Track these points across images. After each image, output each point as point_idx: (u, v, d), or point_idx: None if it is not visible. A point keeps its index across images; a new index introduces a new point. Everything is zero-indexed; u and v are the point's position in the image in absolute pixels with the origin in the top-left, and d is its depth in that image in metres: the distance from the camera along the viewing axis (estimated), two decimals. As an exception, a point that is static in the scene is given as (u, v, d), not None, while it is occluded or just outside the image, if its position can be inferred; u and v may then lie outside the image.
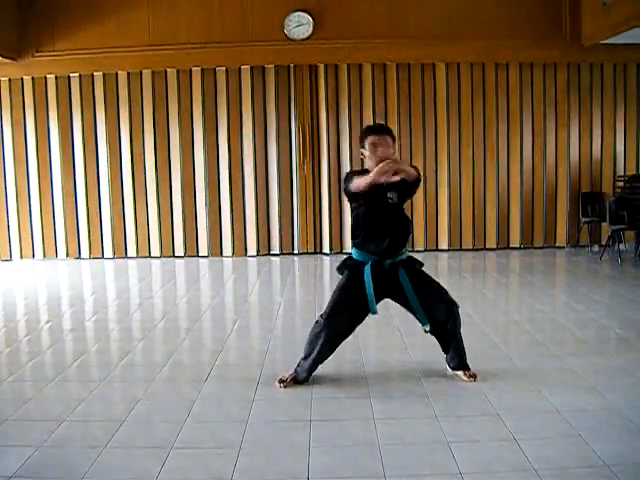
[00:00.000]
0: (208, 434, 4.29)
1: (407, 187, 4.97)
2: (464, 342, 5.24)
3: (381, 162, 4.70)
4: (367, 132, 5.04)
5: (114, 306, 8.56)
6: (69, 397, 4.98)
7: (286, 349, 6.34)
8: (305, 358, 5.16)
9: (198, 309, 8.22)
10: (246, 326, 7.41)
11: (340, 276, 5.22)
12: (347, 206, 11.54)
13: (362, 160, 5.18)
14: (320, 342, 5.05)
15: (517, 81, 11.97)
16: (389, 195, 4.94)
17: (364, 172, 4.92)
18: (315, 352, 5.08)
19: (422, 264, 5.23)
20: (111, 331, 7.16)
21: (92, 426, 4.45)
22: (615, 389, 4.95)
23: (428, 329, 5.17)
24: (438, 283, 5.23)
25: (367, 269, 4.98)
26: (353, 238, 5.09)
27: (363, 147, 4.98)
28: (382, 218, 4.98)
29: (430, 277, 5.22)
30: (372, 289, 4.96)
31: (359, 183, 4.81)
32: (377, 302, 5.04)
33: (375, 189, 4.82)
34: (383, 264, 5.02)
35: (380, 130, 5.04)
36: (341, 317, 5.05)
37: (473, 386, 5.01)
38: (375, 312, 5.06)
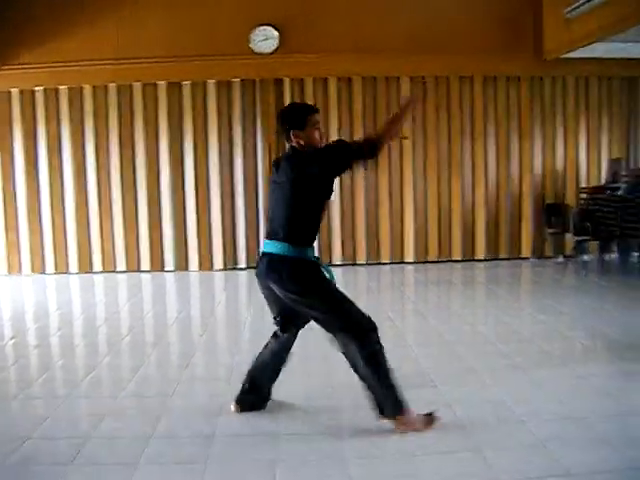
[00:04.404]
0: (174, 449, 4.27)
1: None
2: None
3: (319, 142, 4.52)
4: (309, 112, 4.59)
5: (79, 321, 8.50)
6: (34, 414, 4.95)
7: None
8: (388, 387, 4.49)
9: (164, 323, 8.20)
10: (212, 340, 7.40)
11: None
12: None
13: (291, 139, 4.58)
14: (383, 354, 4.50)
15: (481, 94, 12.09)
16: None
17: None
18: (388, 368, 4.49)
19: None
20: (76, 347, 7.12)
21: (57, 443, 4.41)
22: (579, 399, 5.01)
23: None
24: None
25: (325, 267, 4.65)
26: (304, 234, 4.58)
27: (301, 128, 4.51)
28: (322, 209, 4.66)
29: None
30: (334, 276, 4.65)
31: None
32: None
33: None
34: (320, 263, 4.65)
35: (318, 110, 4.69)
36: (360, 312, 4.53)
37: (434, 395, 5.03)
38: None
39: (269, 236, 4.62)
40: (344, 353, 4.51)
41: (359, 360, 4.44)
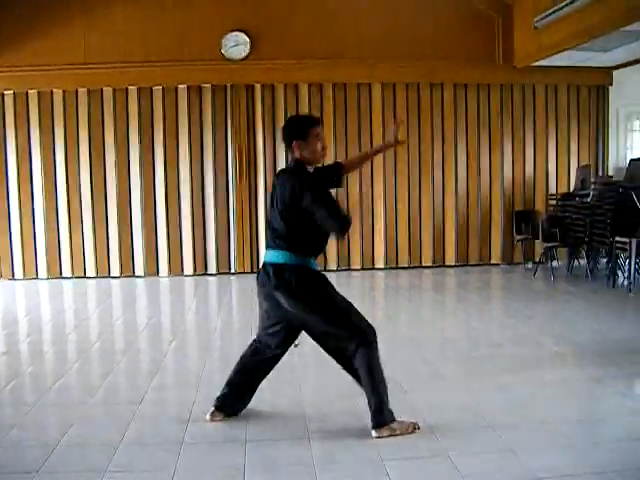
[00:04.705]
0: (143, 457, 4.25)
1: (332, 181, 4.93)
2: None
3: (320, 154, 4.64)
4: (312, 123, 4.68)
5: (48, 328, 8.45)
6: (1, 421, 4.90)
7: (222, 369, 6.32)
8: (379, 395, 4.52)
9: (134, 330, 8.16)
10: (182, 347, 7.38)
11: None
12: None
13: (293, 150, 4.63)
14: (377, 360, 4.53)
15: (452, 101, 12.18)
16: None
17: (324, 171, 4.82)
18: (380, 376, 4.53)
19: None
20: (45, 353, 7.08)
21: (25, 451, 4.38)
22: (547, 403, 5.07)
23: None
24: None
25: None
26: (307, 245, 4.55)
27: (302, 138, 4.58)
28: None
29: None
30: None
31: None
32: None
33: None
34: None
35: (320, 122, 4.79)
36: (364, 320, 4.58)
37: (404, 402, 5.05)
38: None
39: (272, 245, 4.62)
40: (351, 359, 4.55)
41: (362, 368, 4.50)
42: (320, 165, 4.84)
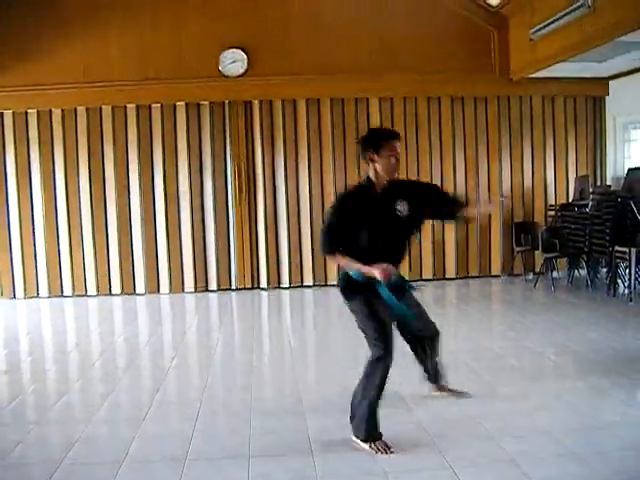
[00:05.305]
0: (146, 474, 4.26)
1: (421, 198, 4.85)
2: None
3: (393, 168, 4.66)
4: (389, 137, 4.69)
5: (50, 346, 8.47)
6: (5, 440, 4.91)
7: (224, 385, 6.36)
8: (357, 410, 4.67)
9: (136, 347, 8.17)
10: (184, 363, 7.38)
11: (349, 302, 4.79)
12: (284, 241, 11.67)
13: (367, 163, 4.70)
14: (380, 380, 4.63)
15: (449, 114, 12.21)
16: (398, 207, 4.70)
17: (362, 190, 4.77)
18: (375, 393, 4.62)
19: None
20: (47, 371, 7.08)
21: (28, 469, 4.40)
22: (548, 414, 5.07)
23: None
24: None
25: (382, 290, 4.62)
26: (353, 256, 4.59)
27: (376, 152, 4.61)
28: (389, 233, 4.72)
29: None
30: (393, 298, 4.65)
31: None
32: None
33: (383, 203, 4.70)
34: (378, 285, 4.62)
35: (398, 136, 4.76)
36: (391, 341, 4.69)
37: (406, 412, 5.06)
38: (414, 316, 5.04)
39: None
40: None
41: (364, 379, 4.66)
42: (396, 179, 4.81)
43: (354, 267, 4.57)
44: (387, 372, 4.61)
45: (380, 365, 4.58)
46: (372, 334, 4.65)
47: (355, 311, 4.74)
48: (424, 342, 5.35)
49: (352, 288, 4.70)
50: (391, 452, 4.45)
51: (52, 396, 6.15)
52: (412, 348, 5.40)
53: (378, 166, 4.64)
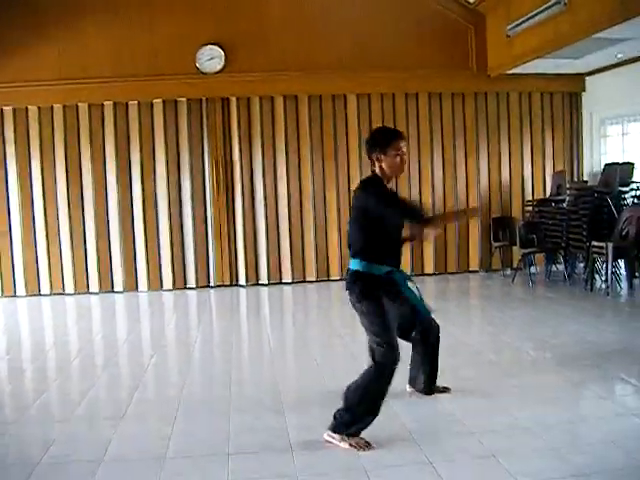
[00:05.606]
0: (125, 472, 4.24)
1: None
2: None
3: (398, 168, 4.75)
4: (396, 137, 4.78)
5: (28, 345, 8.40)
6: (-18, 440, 4.88)
7: (203, 383, 6.35)
8: (355, 406, 4.59)
9: (114, 345, 8.12)
10: (163, 361, 7.35)
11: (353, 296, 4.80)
12: (262, 238, 11.64)
13: (373, 162, 4.79)
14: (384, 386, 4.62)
15: (426, 111, 12.24)
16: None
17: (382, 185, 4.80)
18: (376, 395, 4.61)
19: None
20: (25, 371, 7.03)
21: (6, 470, 4.36)
22: (527, 409, 5.09)
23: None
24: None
25: (399, 277, 4.81)
26: (368, 252, 4.69)
27: (383, 152, 4.70)
28: (399, 231, 4.88)
29: None
30: (411, 289, 4.90)
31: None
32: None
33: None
34: (395, 275, 4.82)
35: (404, 137, 4.87)
36: (395, 340, 4.70)
37: (385, 409, 5.07)
38: (430, 311, 5.15)
39: (350, 254, 4.85)
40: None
41: (360, 380, 4.62)
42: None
43: (452, 215, 4.72)
44: (392, 376, 4.60)
45: (387, 370, 4.57)
46: (382, 335, 4.62)
47: (366, 312, 4.71)
48: (429, 341, 5.31)
49: (370, 286, 4.70)
50: (371, 448, 4.46)
51: (30, 395, 6.11)
52: (416, 349, 5.37)
53: (384, 165, 4.72)
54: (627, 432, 4.60)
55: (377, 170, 4.77)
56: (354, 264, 4.74)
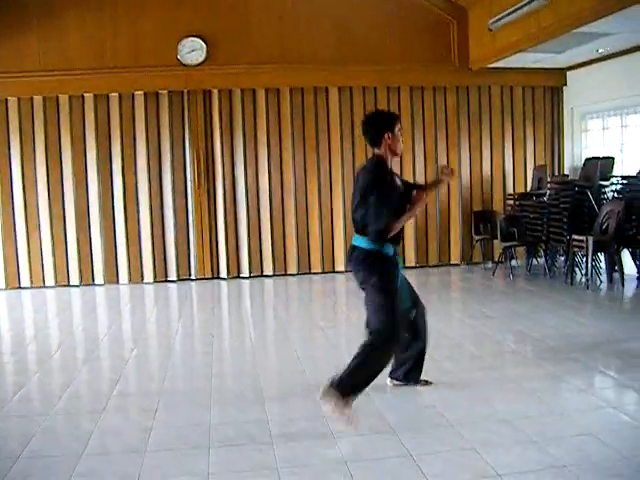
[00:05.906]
0: (107, 466, 4.23)
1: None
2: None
3: (400, 147, 4.91)
4: (396, 117, 5.01)
5: (7, 338, 8.35)
6: (-39, 434, 4.86)
7: (184, 376, 6.34)
8: (354, 372, 4.71)
9: (95, 338, 8.09)
10: (144, 354, 7.33)
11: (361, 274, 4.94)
12: (244, 231, 11.61)
13: (380, 143, 4.87)
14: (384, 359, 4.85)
15: (408, 104, 12.26)
16: (399, 184, 5.01)
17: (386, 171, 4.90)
18: (376, 368, 4.80)
19: None
20: (5, 364, 7.00)
21: (-15, 463, 4.35)
22: (507, 401, 5.13)
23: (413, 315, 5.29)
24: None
25: (399, 262, 5.03)
26: (384, 234, 4.80)
27: (391, 131, 4.85)
28: (402, 205, 4.98)
29: None
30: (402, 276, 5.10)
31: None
32: None
33: (407, 187, 5.09)
34: (398, 258, 5.05)
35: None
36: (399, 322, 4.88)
37: (365, 402, 5.08)
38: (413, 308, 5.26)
39: (355, 231, 4.97)
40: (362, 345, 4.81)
41: (359, 354, 4.73)
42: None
43: (410, 214, 4.96)
44: (391, 353, 4.87)
45: (387, 345, 4.79)
46: (387, 310, 4.77)
47: (375, 286, 4.82)
48: (417, 326, 5.35)
49: (382, 261, 4.84)
50: (350, 424, 4.55)
51: (10, 389, 6.07)
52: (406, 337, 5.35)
53: (392, 144, 4.85)
54: (606, 424, 4.64)
55: (383, 151, 4.88)
56: (362, 242, 4.86)
